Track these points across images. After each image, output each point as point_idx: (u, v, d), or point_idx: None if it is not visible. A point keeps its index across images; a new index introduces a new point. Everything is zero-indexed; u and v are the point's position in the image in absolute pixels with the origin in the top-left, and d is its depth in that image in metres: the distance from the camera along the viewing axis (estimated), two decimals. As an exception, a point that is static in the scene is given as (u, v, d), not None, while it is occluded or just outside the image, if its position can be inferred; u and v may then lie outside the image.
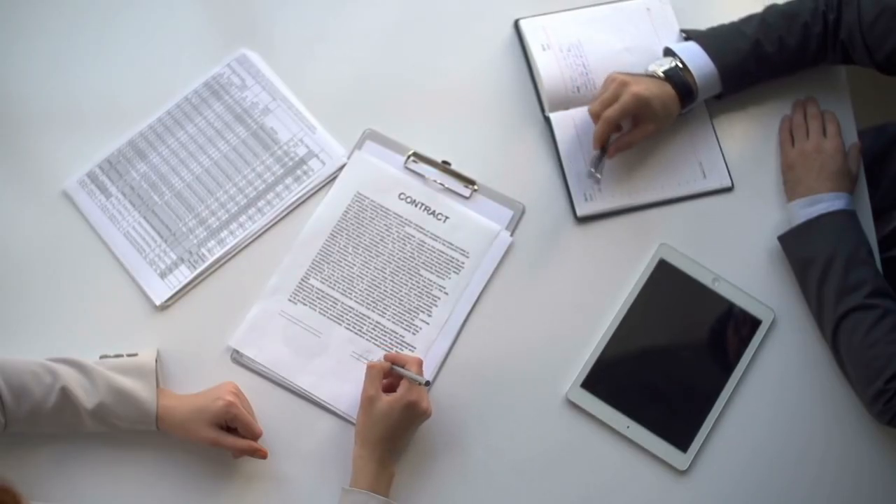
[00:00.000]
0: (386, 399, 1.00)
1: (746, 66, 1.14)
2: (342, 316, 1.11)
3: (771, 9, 1.16)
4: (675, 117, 1.15)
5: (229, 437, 1.02)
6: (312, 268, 1.13)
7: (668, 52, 1.17)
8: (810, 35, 1.13)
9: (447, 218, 1.15)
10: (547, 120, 1.20)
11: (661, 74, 1.13)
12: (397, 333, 1.11)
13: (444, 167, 1.17)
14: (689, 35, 1.19)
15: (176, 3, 1.23)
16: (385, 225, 1.14)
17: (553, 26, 1.23)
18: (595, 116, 1.12)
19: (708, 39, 1.15)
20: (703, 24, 1.23)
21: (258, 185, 1.16)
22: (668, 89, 1.12)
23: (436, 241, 1.14)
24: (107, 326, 1.10)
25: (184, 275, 1.12)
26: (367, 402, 1.01)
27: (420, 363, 1.05)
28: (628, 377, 1.11)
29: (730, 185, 1.19)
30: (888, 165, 1.25)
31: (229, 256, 1.13)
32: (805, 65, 1.16)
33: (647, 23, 1.24)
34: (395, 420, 1.00)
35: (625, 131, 1.14)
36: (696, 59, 1.13)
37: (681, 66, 1.13)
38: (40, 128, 1.17)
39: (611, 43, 1.22)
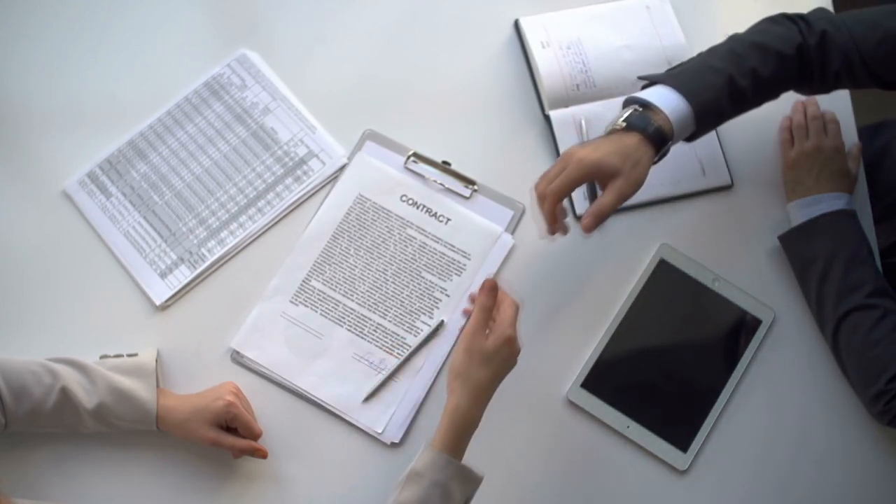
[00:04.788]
0: (495, 336, 0.92)
1: (720, 103, 1.01)
2: (343, 318, 1.11)
3: (736, 39, 1.05)
4: (647, 163, 0.97)
5: (229, 436, 1.02)
6: (314, 269, 1.13)
7: (629, 102, 1.02)
8: (787, 66, 1.02)
9: (449, 220, 1.15)
10: (547, 118, 1.20)
11: (622, 125, 0.98)
12: (399, 335, 1.11)
13: (444, 167, 1.17)
14: (649, 80, 1.04)
15: (176, 3, 1.23)
16: (387, 227, 1.14)
17: (553, 24, 1.23)
18: (540, 197, 0.98)
19: (675, 79, 1.01)
20: (703, 22, 1.24)
21: (258, 185, 1.16)
22: (626, 138, 0.97)
23: (437, 242, 1.14)
24: (107, 326, 1.10)
25: (184, 275, 1.12)
26: (472, 342, 0.92)
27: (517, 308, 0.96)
28: (628, 377, 1.11)
29: (729, 183, 1.19)
30: (883, 168, 1.24)
31: (229, 256, 1.14)
32: (780, 92, 1.07)
33: (646, 21, 1.24)
34: (501, 360, 0.93)
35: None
36: (665, 98, 0.99)
37: (640, 108, 0.99)
38: (40, 128, 1.17)
39: (611, 40, 1.23)
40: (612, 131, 0.99)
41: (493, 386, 0.93)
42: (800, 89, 1.08)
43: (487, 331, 0.93)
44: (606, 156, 0.95)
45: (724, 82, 1.00)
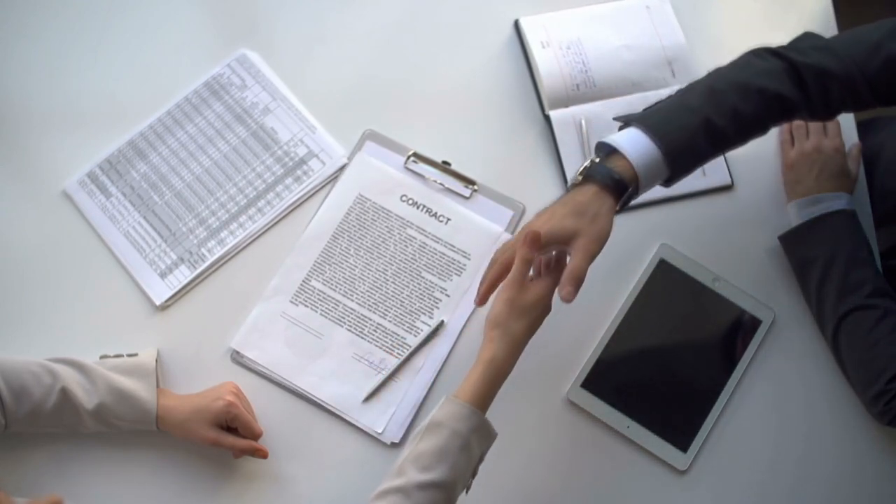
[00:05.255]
0: (534, 290, 0.92)
1: (696, 144, 0.95)
2: (343, 318, 1.11)
3: (716, 75, 0.98)
4: (607, 213, 0.92)
5: (230, 436, 1.02)
6: (314, 269, 1.13)
7: (598, 147, 0.97)
8: (770, 103, 0.96)
9: (449, 220, 1.15)
10: (547, 118, 1.20)
11: (579, 178, 0.94)
12: (399, 335, 1.11)
13: (444, 167, 1.17)
14: (624, 121, 0.98)
15: (176, 3, 1.23)
16: (387, 227, 1.14)
17: (553, 24, 1.23)
18: (492, 262, 0.97)
19: (648, 121, 0.95)
20: (703, 22, 1.24)
21: (258, 185, 1.16)
22: (580, 194, 0.93)
23: (437, 242, 1.14)
24: (107, 326, 1.10)
25: (184, 275, 1.12)
26: (513, 293, 0.92)
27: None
28: (628, 377, 1.11)
29: (730, 182, 1.19)
30: (877, 170, 1.23)
31: (229, 256, 1.14)
32: (767, 128, 1.00)
33: (646, 20, 1.24)
34: (537, 315, 0.93)
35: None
36: (633, 142, 0.93)
37: (597, 159, 0.95)
38: (40, 128, 1.17)
39: (610, 40, 1.23)
40: (573, 185, 0.95)
41: (527, 339, 0.93)
42: (794, 119, 1.03)
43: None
44: (560, 221, 0.92)
45: (700, 123, 0.94)
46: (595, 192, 0.92)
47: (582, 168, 0.94)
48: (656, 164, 0.93)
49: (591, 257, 0.92)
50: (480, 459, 0.91)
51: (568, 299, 0.90)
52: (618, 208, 0.94)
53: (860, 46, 0.96)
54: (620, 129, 0.97)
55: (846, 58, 0.96)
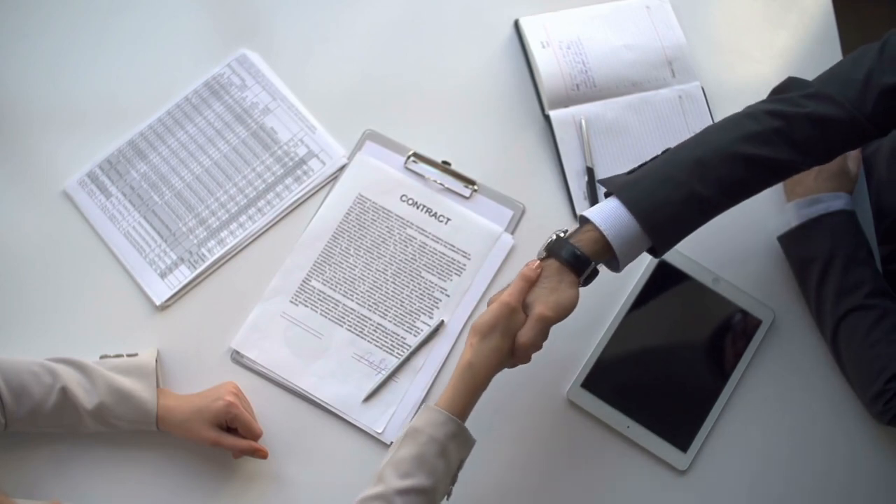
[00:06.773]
0: (529, 323, 0.91)
1: (682, 217, 0.95)
2: (343, 318, 1.11)
3: (704, 142, 0.97)
4: (567, 287, 0.92)
5: (230, 437, 1.02)
6: (314, 269, 1.13)
7: (581, 220, 0.96)
8: (757, 169, 0.95)
9: (449, 220, 1.15)
10: (547, 118, 1.20)
11: (544, 254, 0.95)
12: (399, 335, 1.11)
13: (444, 167, 1.17)
14: (609, 187, 0.96)
15: (176, 4, 1.23)
16: (387, 227, 1.15)
17: (553, 24, 1.23)
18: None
19: (630, 192, 0.93)
20: (703, 22, 1.24)
21: (258, 185, 1.16)
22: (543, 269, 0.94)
23: (437, 242, 1.14)
24: (107, 326, 1.10)
25: (184, 275, 1.12)
26: (508, 311, 0.91)
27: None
28: (628, 377, 1.11)
29: (729, 183, 1.19)
30: (871, 178, 1.22)
31: (229, 256, 1.14)
32: (759, 190, 0.99)
33: (646, 21, 1.25)
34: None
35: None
36: (611, 216, 0.92)
37: (562, 233, 0.95)
38: (40, 128, 1.17)
39: (610, 40, 1.23)
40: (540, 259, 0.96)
41: (507, 360, 0.92)
42: (791, 176, 1.03)
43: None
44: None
45: (685, 196, 0.93)
46: (556, 267, 0.93)
47: (547, 242, 0.95)
48: (636, 238, 0.93)
49: (545, 325, 0.92)
50: (459, 466, 0.91)
51: (522, 361, 0.94)
52: (581, 282, 0.94)
53: (852, 86, 0.96)
54: (607, 194, 0.96)
55: (845, 102, 0.95)
